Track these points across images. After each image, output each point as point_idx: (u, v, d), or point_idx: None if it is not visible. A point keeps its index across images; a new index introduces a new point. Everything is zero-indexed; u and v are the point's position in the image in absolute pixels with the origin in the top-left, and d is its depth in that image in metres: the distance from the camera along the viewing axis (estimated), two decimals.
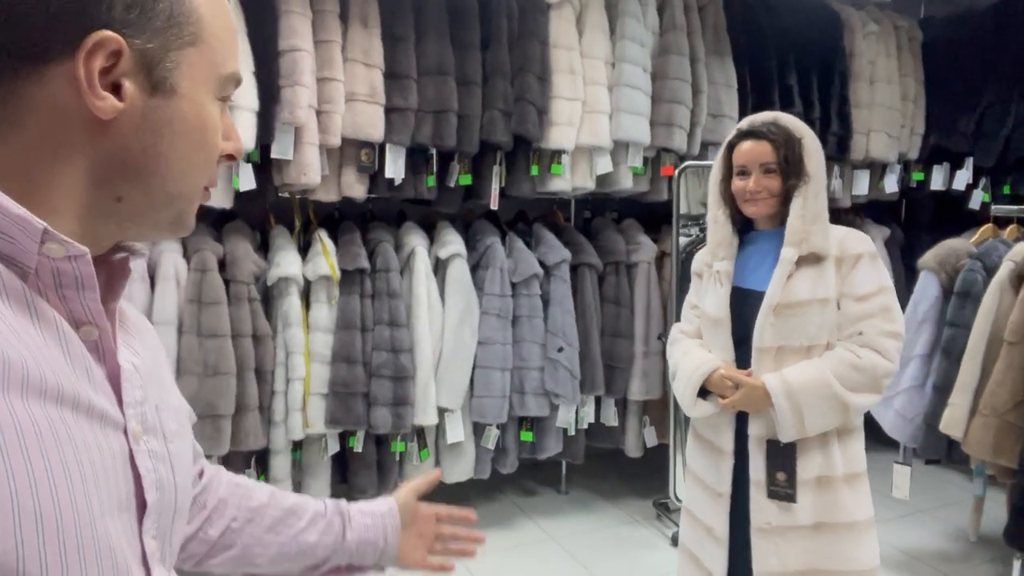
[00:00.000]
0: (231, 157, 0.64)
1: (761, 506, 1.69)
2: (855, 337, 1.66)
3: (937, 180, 3.80)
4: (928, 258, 2.80)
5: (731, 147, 1.77)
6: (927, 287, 2.78)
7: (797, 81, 3.42)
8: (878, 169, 3.76)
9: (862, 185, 3.72)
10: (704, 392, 1.78)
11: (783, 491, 1.67)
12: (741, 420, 1.75)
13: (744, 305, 1.74)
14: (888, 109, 3.60)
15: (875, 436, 2.99)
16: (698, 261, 1.93)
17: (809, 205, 1.67)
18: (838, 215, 3.94)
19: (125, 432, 0.57)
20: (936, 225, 3.92)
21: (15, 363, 0.48)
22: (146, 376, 0.63)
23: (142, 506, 0.58)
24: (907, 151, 3.74)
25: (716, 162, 1.82)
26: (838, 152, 3.55)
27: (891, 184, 3.76)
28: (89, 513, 0.50)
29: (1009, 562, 2.62)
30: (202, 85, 0.59)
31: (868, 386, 1.64)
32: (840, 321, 1.68)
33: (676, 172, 3.10)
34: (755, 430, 1.71)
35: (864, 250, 1.70)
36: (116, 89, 0.53)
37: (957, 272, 2.70)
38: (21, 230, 0.50)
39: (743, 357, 1.75)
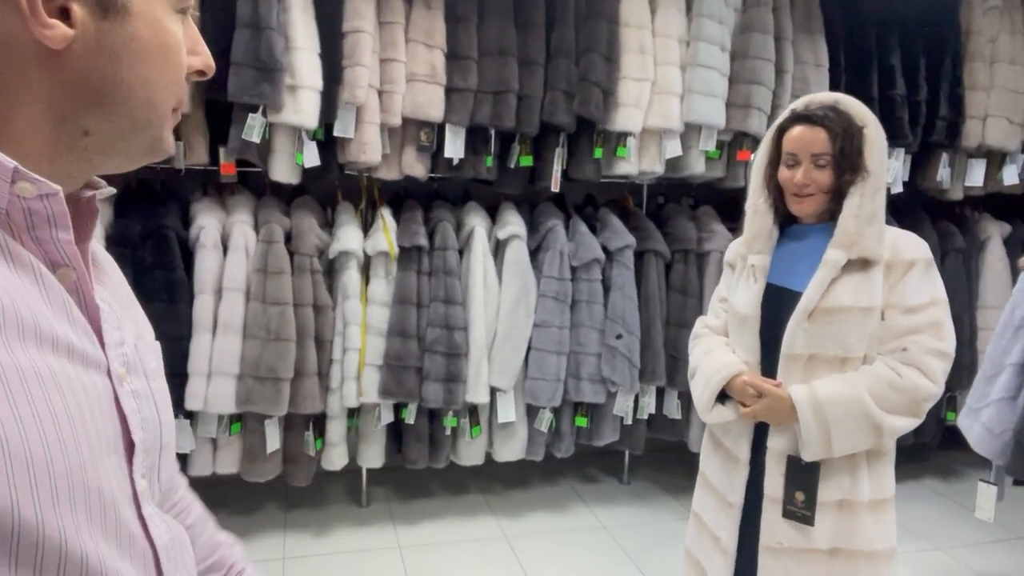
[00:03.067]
0: (201, 73, 0.61)
1: (774, 524, 1.57)
2: (898, 353, 1.49)
3: None
4: None
5: (782, 131, 1.58)
6: None
7: (901, 61, 3.15)
8: (997, 158, 3.40)
9: (977, 176, 3.38)
10: (724, 396, 1.65)
11: (800, 512, 1.54)
12: (760, 430, 1.62)
13: (777, 305, 1.58)
14: (1011, 92, 3.24)
15: (973, 450, 2.74)
16: (732, 251, 1.79)
17: (866, 204, 1.50)
18: (949, 208, 3.61)
19: (109, 374, 0.56)
20: None
21: (7, 307, 0.47)
22: (122, 315, 0.62)
23: (130, 446, 0.57)
24: None
25: (763, 145, 1.65)
26: (947, 139, 3.24)
27: (1011, 175, 3.38)
28: (79, 455, 0.50)
29: None
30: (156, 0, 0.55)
31: (906, 408, 1.48)
32: (883, 334, 1.51)
33: (753, 156, 2.94)
34: (775, 443, 1.58)
35: (918, 256, 1.52)
36: (66, 15, 0.51)
37: None
38: None
39: (769, 361, 1.61)
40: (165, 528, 0.62)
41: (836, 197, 1.54)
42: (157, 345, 0.70)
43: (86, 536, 0.50)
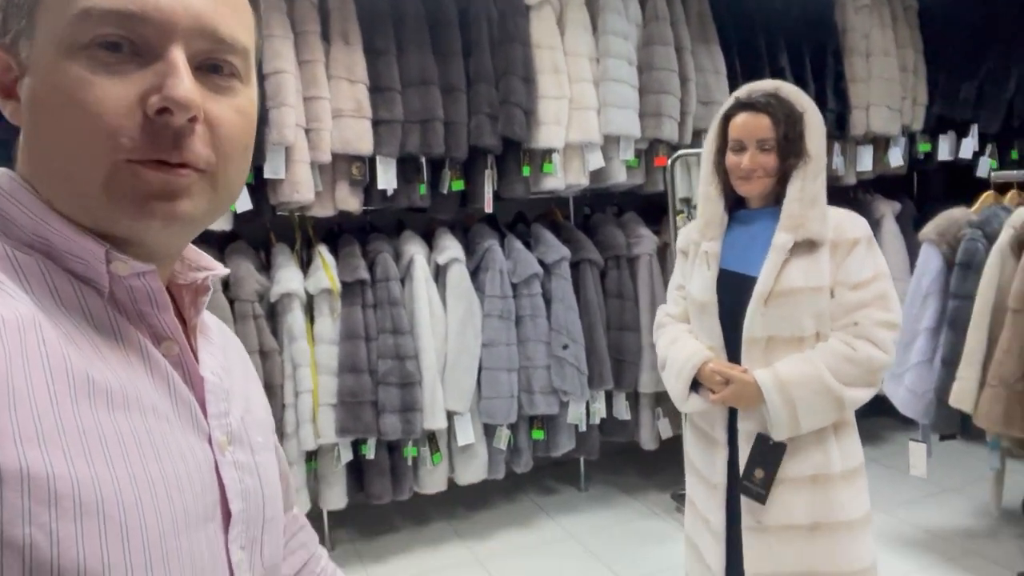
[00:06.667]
0: (165, 111, 0.50)
1: (752, 504, 1.62)
2: (850, 328, 1.57)
3: (944, 150, 3.73)
4: (928, 230, 2.76)
5: (727, 118, 1.64)
6: (929, 260, 2.74)
7: (789, 62, 3.40)
8: (882, 143, 3.71)
9: (866, 161, 3.67)
10: (696, 383, 1.68)
11: (755, 490, 1.58)
12: (735, 411, 1.66)
13: (732, 290, 1.64)
14: (887, 81, 3.55)
15: (896, 415, 2.96)
16: (684, 238, 1.83)
17: (808, 187, 1.56)
18: (844, 193, 3.90)
19: (210, 443, 0.57)
20: (948, 196, 3.84)
21: (99, 381, 0.49)
22: (231, 388, 0.63)
23: (227, 516, 0.58)
24: (911, 123, 3.68)
25: (710, 134, 1.71)
26: (837, 129, 3.51)
27: (896, 158, 3.70)
28: (173, 521, 0.50)
29: None
30: (50, 43, 0.50)
31: (863, 380, 1.56)
32: (834, 311, 1.58)
33: (669, 162, 3.10)
34: (745, 425, 1.63)
35: (861, 235, 1.60)
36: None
37: (958, 242, 2.65)
38: (88, 252, 0.52)
39: (731, 344, 1.66)
40: None
41: (780, 180, 1.62)
42: (269, 421, 0.71)
43: None
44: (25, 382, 0.44)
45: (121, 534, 0.46)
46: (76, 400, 0.47)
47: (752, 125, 1.59)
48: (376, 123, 2.71)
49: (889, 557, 2.77)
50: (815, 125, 1.60)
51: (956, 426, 2.72)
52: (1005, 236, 2.46)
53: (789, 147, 1.58)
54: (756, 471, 1.60)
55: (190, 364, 0.58)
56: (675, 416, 3.37)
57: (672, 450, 3.49)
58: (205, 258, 0.66)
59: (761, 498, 1.59)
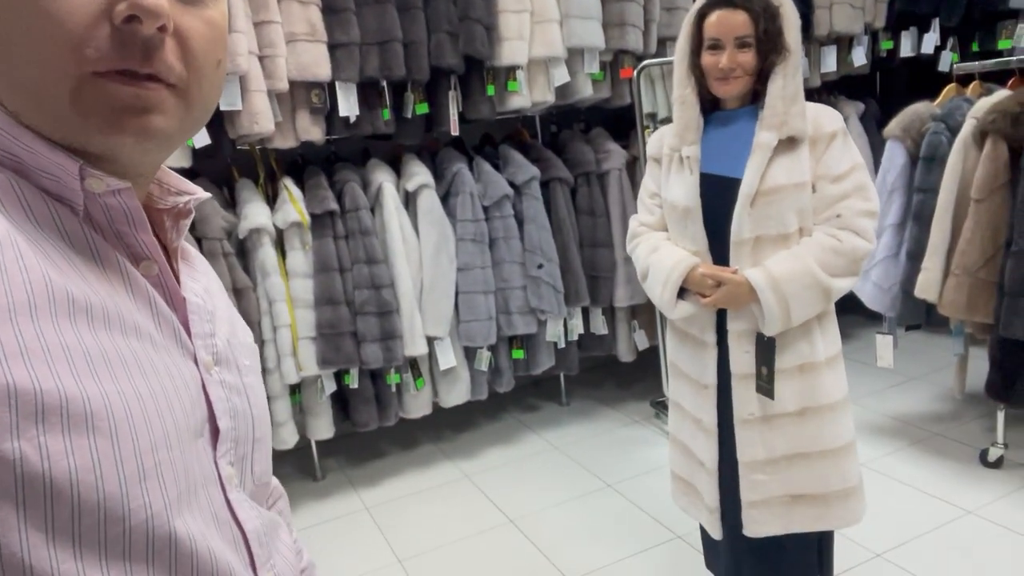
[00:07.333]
0: (133, 19, 0.48)
1: (744, 398, 1.66)
2: (833, 220, 1.57)
3: (906, 46, 3.72)
4: (892, 126, 2.78)
5: (701, 16, 1.58)
6: (894, 155, 2.77)
7: None
8: (845, 43, 3.68)
9: (830, 62, 3.65)
10: (681, 290, 1.68)
11: (765, 386, 1.63)
12: (722, 313, 1.68)
13: (716, 193, 1.62)
14: None
15: (862, 311, 3.06)
16: (655, 144, 1.78)
17: (789, 84, 1.53)
18: (809, 96, 3.89)
19: (196, 362, 0.58)
20: (912, 93, 3.85)
21: (80, 299, 0.48)
22: (215, 311, 0.63)
23: (215, 433, 0.58)
24: (873, 20, 3.64)
25: (682, 35, 1.65)
26: (802, 30, 3.47)
27: (859, 57, 3.68)
28: (164, 434, 0.50)
29: (996, 416, 2.70)
30: None
31: (848, 269, 1.58)
32: (816, 205, 1.59)
33: (635, 73, 3.06)
34: (735, 325, 1.65)
35: (837, 128, 1.59)
36: None
37: (922, 137, 2.68)
38: (61, 168, 0.50)
39: (716, 248, 1.66)
40: (255, 515, 0.63)
41: (759, 78, 1.57)
42: (254, 347, 0.72)
43: (175, 513, 0.51)
44: (6, 299, 0.44)
45: (112, 446, 0.47)
46: (57, 317, 0.46)
47: (729, 22, 1.53)
48: (333, 47, 2.61)
49: (859, 444, 2.90)
50: (791, 18, 1.56)
51: (921, 316, 2.81)
52: (968, 127, 2.49)
53: (769, 43, 1.53)
54: (761, 369, 1.63)
55: (171, 285, 0.58)
56: (650, 328, 3.43)
57: (649, 361, 3.58)
58: (185, 183, 0.65)
59: (770, 393, 1.62)
